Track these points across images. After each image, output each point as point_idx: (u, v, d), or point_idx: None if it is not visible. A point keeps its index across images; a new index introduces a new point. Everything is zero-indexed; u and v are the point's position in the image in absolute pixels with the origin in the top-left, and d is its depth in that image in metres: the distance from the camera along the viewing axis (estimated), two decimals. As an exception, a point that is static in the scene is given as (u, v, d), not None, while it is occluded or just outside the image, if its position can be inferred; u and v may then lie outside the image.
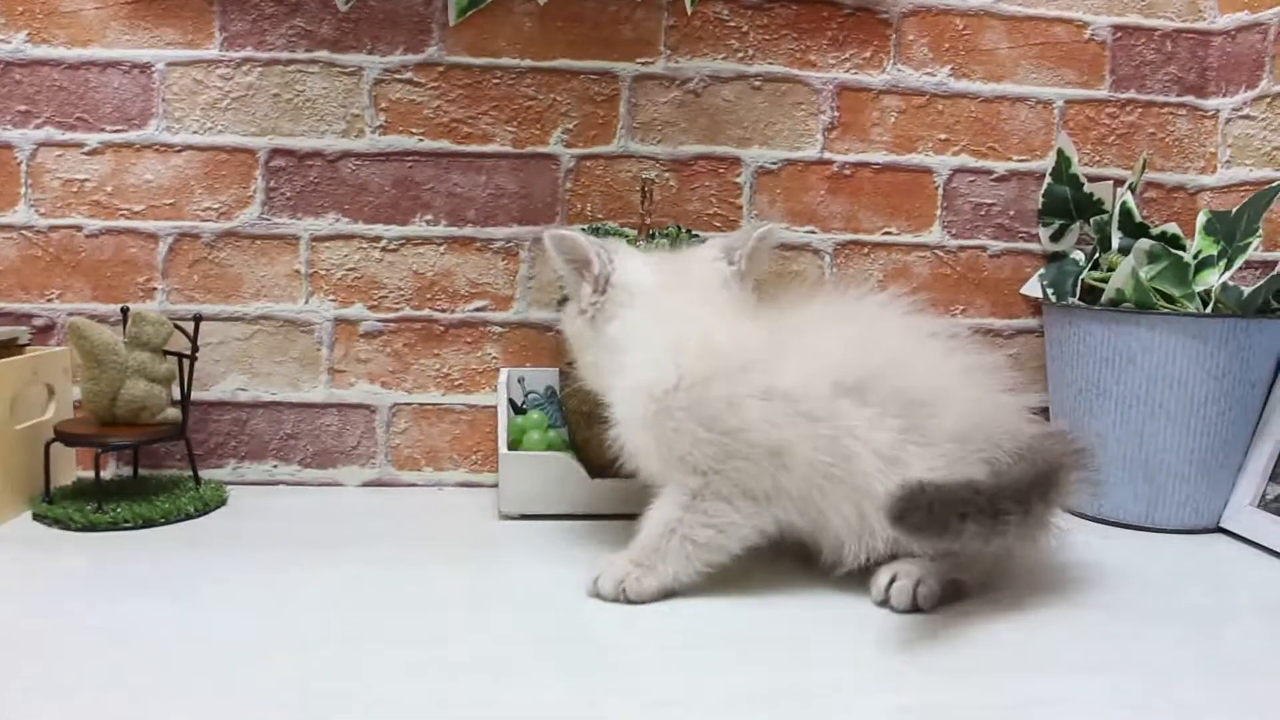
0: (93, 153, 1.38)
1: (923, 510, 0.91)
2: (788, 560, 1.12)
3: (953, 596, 1.04)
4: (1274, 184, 1.30)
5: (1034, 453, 1.04)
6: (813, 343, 1.07)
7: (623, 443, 1.10)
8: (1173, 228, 1.38)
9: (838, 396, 1.03)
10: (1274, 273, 1.32)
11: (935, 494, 0.92)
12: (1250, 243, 1.28)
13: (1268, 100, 1.43)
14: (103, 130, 1.38)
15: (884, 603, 1.03)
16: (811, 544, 1.08)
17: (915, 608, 1.01)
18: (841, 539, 1.04)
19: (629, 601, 1.02)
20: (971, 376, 1.10)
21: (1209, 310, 1.31)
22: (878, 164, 1.48)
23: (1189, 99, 1.53)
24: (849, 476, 1.02)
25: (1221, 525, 1.32)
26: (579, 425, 1.32)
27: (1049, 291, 1.44)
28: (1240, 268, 1.34)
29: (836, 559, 1.06)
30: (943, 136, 1.49)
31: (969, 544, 0.97)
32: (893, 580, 1.03)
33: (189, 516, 1.26)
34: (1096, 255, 1.43)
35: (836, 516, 1.04)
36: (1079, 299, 1.41)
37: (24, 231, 1.38)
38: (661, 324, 1.08)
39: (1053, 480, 1.03)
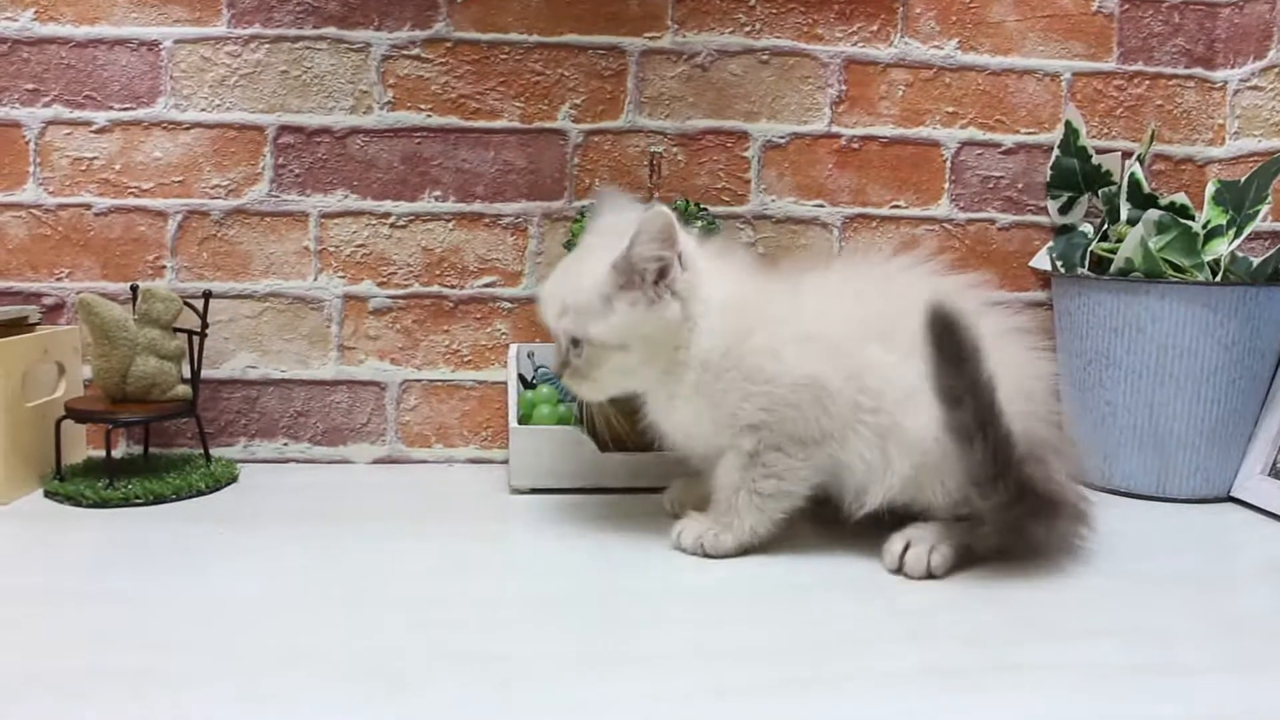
0: (101, 131, 1.38)
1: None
2: (803, 525, 1.13)
3: (965, 562, 1.05)
4: (1283, 152, 1.30)
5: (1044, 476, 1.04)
6: (841, 293, 1.12)
7: (671, 421, 1.12)
8: (1181, 198, 1.37)
9: (866, 339, 1.07)
10: (1283, 242, 1.32)
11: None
12: (1259, 210, 1.28)
13: (1276, 70, 1.43)
14: (111, 108, 1.38)
15: (898, 570, 1.04)
16: (836, 494, 1.11)
17: (929, 574, 1.02)
18: (866, 484, 1.07)
19: (707, 556, 1.08)
20: (1000, 339, 1.09)
21: (1218, 279, 1.30)
22: (885, 137, 1.47)
23: (1197, 70, 1.52)
24: (877, 415, 1.05)
25: (1232, 494, 1.32)
26: (589, 399, 1.32)
27: (1058, 264, 1.44)
28: (1250, 238, 1.34)
29: (859, 504, 1.08)
30: (950, 109, 1.48)
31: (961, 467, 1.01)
32: (906, 547, 1.04)
33: (200, 493, 1.27)
34: (1105, 227, 1.43)
35: (861, 461, 1.06)
36: (1088, 270, 1.41)
37: (33, 210, 1.38)
38: (714, 292, 1.09)
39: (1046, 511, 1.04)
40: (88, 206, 1.39)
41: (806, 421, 1.06)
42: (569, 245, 1.32)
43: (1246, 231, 1.29)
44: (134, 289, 1.33)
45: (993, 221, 1.51)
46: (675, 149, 1.44)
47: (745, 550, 1.08)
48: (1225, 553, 1.16)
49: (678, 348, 1.08)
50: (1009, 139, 1.50)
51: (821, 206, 1.47)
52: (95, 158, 1.38)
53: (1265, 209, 1.28)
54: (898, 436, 1.05)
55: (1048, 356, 1.14)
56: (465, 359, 1.44)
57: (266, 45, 1.39)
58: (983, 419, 0.97)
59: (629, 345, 1.06)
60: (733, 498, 1.09)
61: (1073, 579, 1.04)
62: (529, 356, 1.42)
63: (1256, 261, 1.33)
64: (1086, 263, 1.42)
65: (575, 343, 1.07)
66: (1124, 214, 1.39)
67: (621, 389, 1.12)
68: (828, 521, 1.12)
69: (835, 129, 1.47)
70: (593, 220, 1.18)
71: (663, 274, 1.06)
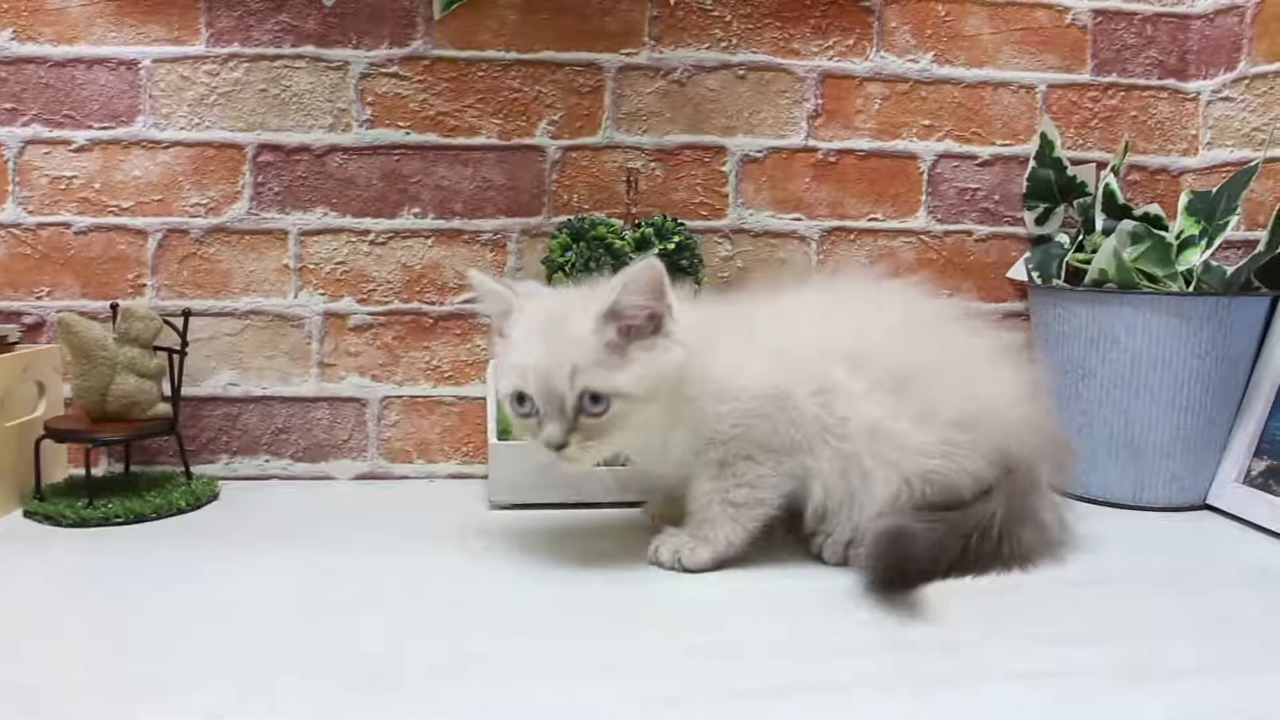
0: (80, 150, 1.38)
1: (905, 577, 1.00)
2: (780, 537, 1.14)
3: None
4: (1252, 163, 1.31)
5: (1006, 469, 1.09)
6: (813, 310, 1.13)
7: (648, 449, 1.10)
8: (1155, 209, 1.38)
9: (834, 358, 1.08)
10: (1255, 251, 1.33)
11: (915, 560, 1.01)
12: (1230, 221, 1.30)
13: (1246, 82, 1.44)
14: (90, 127, 1.38)
15: (818, 556, 1.10)
16: (803, 509, 1.11)
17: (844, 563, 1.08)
18: (830, 510, 1.08)
19: (685, 570, 1.07)
20: (976, 361, 1.13)
21: (1191, 289, 1.32)
22: (862, 150, 1.48)
23: (1170, 82, 1.54)
24: (841, 441, 1.06)
25: (1208, 502, 1.33)
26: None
27: (1034, 274, 1.45)
28: (1224, 247, 1.35)
29: (824, 530, 1.10)
30: (927, 122, 1.50)
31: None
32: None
33: (180, 511, 1.27)
34: (1081, 238, 1.44)
35: (825, 483, 1.07)
36: (1064, 281, 1.42)
37: (12, 229, 1.39)
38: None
39: (1027, 485, 1.09)
40: (67, 225, 1.39)
41: (775, 432, 1.06)
42: (547, 261, 1.33)
43: (1218, 242, 1.30)
44: (114, 307, 1.33)
45: (970, 233, 1.52)
46: (653, 164, 1.45)
47: (722, 563, 1.08)
48: (1202, 559, 1.17)
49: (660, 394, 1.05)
50: (985, 151, 1.51)
51: (799, 220, 1.48)
52: (75, 176, 1.38)
53: (1235, 219, 1.30)
54: (861, 474, 1.06)
55: (1038, 366, 1.17)
56: (445, 375, 1.45)
57: (245, 64, 1.39)
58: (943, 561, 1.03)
59: (655, 394, 1.03)
60: (706, 510, 1.09)
61: (1050, 587, 1.05)
62: (509, 371, 1.42)
63: (1230, 271, 1.35)
64: (1063, 273, 1.43)
65: (596, 399, 1.00)
66: (1099, 224, 1.40)
67: (628, 446, 1.08)
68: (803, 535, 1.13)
69: (812, 142, 1.48)
70: (491, 304, 1.10)
71: (656, 323, 1.03)
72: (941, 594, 1.01)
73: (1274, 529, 1.22)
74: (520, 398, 1.02)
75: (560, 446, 1.01)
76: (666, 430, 1.07)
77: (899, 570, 0.99)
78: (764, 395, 1.06)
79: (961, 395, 1.09)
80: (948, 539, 1.04)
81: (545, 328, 1.03)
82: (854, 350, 1.09)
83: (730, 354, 1.07)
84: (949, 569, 1.04)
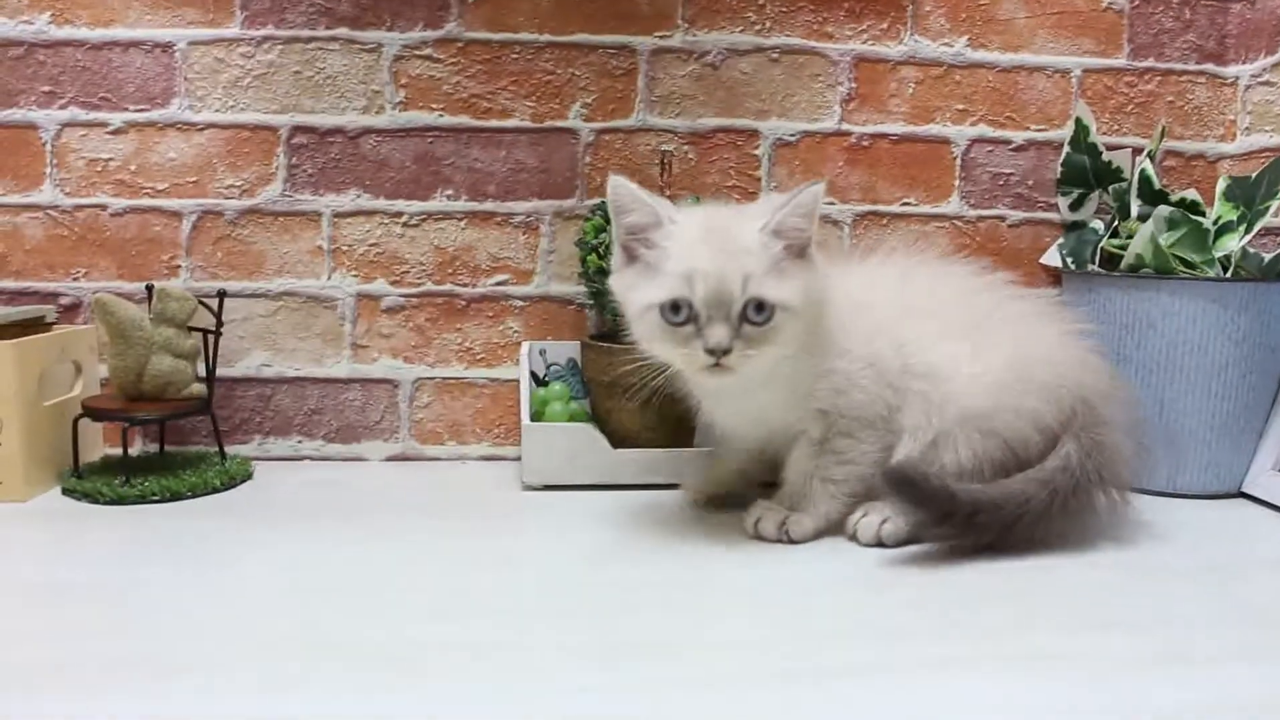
0: (116, 132, 1.39)
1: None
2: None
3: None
4: (1294, 148, 1.30)
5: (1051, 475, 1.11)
6: (886, 275, 1.21)
7: (741, 409, 1.14)
8: (1192, 194, 1.37)
9: (908, 315, 1.15)
10: (1294, 237, 1.32)
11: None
12: (1269, 206, 1.28)
13: (1287, 66, 1.43)
14: (126, 110, 1.39)
15: (852, 537, 1.12)
16: None
17: (880, 543, 1.10)
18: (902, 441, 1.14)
19: (791, 541, 1.12)
20: (1029, 317, 1.19)
21: (1229, 275, 1.30)
22: (895, 135, 1.48)
23: (1208, 66, 1.52)
24: (920, 381, 1.13)
25: (1244, 490, 1.32)
26: (601, 396, 1.33)
27: (1068, 260, 1.44)
28: (1262, 234, 1.34)
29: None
30: (960, 107, 1.49)
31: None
32: (862, 516, 1.13)
33: (215, 490, 1.28)
34: (1115, 223, 1.43)
35: (910, 431, 1.13)
36: (1098, 267, 1.41)
37: (49, 211, 1.40)
38: None
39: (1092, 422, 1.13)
40: (103, 207, 1.40)
41: (873, 401, 1.12)
42: (581, 244, 1.33)
43: (1257, 227, 1.29)
44: (149, 288, 1.34)
45: (1003, 218, 1.51)
46: (686, 147, 1.45)
47: (821, 534, 1.13)
48: (1236, 546, 1.16)
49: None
50: (1019, 136, 1.50)
51: (832, 204, 1.48)
52: (111, 159, 1.39)
53: (1276, 204, 1.28)
54: (935, 401, 1.11)
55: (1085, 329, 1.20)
56: (478, 357, 1.45)
57: (279, 46, 1.40)
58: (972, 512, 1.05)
59: (805, 313, 1.05)
60: (805, 486, 1.14)
61: (1083, 572, 1.04)
62: (540, 354, 1.42)
63: (1268, 258, 1.33)
64: (1097, 259, 1.42)
65: (760, 308, 1.02)
66: (1134, 210, 1.39)
67: (775, 368, 1.07)
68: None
69: (845, 127, 1.47)
70: (638, 214, 1.07)
71: (804, 246, 1.06)
72: (969, 578, 1.02)
73: (1311, 517, 1.21)
74: (676, 306, 1.03)
75: (725, 351, 1.02)
76: (788, 377, 1.09)
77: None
78: (866, 358, 1.11)
79: (1014, 341, 1.14)
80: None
81: (710, 238, 1.04)
82: (926, 307, 1.16)
83: (838, 312, 1.11)
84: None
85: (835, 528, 1.14)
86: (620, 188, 1.06)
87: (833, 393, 1.11)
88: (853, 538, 1.11)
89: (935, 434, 1.11)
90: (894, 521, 1.10)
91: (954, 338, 1.13)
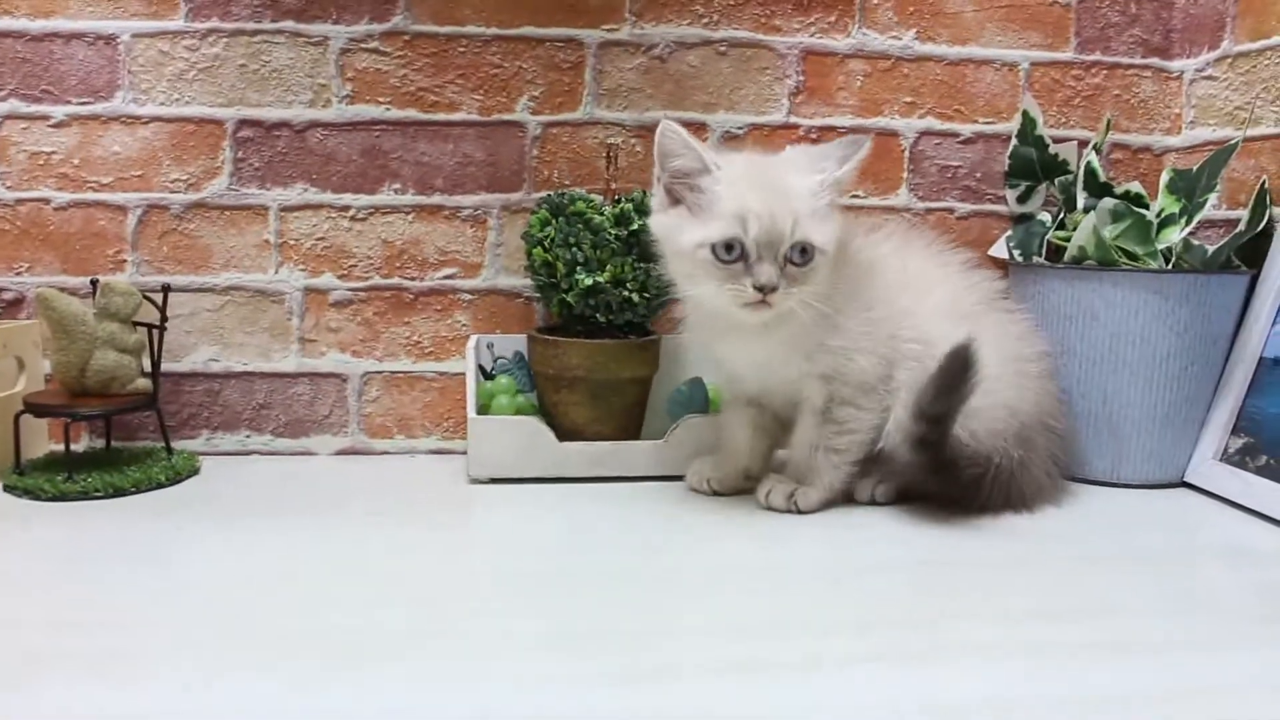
0: (59, 125, 1.38)
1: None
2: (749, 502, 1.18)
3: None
4: (1232, 141, 1.31)
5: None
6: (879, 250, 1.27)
7: (753, 355, 1.19)
8: (1136, 187, 1.38)
9: (903, 289, 1.22)
10: (1236, 230, 1.33)
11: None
12: (1209, 198, 1.30)
13: (1229, 60, 1.44)
14: (69, 103, 1.38)
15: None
16: None
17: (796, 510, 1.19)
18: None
19: (800, 512, 1.19)
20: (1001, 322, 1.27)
21: (1170, 267, 1.32)
22: (844, 128, 1.48)
23: (1153, 61, 1.53)
24: (910, 342, 1.19)
25: (1186, 479, 1.34)
26: (548, 389, 1.33)
27: (1015, 253, 1.45)
28: (1208, 227, 1.35)
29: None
30: (909, 100, 1.49)
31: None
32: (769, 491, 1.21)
33: (160, 485, 1.27)
34: (1062, 216, 1.44)
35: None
36: (1045, 259, 1.42)
37: (-8, 205, 1.39)
38: None
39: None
40: (46, 201, 1.39)
41: (875, 364, 1.17)
42: (527, 237, 1.33)
43: (1197, 219, 1.30)
44: (94, 283, 1.33)
45: (951, 210, 1.52)
46: (634, 140, 1.45)
47: (827, 505, 1.20)
48: (1177, 535, 1.17)
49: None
50: (967, 129, 1.51)
51: (781, 197, 1.48)
52: (54, 152, 1.38)
53: (1214, 197, 1.30)
54: (928, 365, 1.14)
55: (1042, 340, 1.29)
56: (426, 350, 1.45)
57: (225, 39, 1.39)
58: (940, 440, 1.12)
59: (832, 259, 1.14)
60: (810, 457, 1.19)
61: (1022, 561, 1.05)
62: (488, 347, 1.42)
63: (1211, 250, 1.34)
64: (1043, 251, 1.43)
65: (804, 251, 1.11)
66: (1080, 203, 1.40)
67: (802, 309, 1.13)
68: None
69: (793, 119, 1.48)
70: (686, 159, 1.13)
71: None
72: (912, 571, 1.02)
73: (1248, 505, 1.22)
74: (729, 245, 1.09)
75: (773, 289, 1.09)
76: (801, 322, 1.13)
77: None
78: (868, 319, 1.18)
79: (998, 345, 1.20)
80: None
81: (762, 182, 1.12)
82: (925, 283, 1.23)
83: (848, 273, 1.19)
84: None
85: (840, 498, 1.21)
86: (670, 132, 1.13)
87: (839, 355, 1.16)
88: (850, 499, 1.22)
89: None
90: (886, 484, 1.22)
91: (950, 318, 1.19)
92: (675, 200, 1.15)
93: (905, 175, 1.50)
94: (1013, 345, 1.24)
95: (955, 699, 0.76)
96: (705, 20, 1.44)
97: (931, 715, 0.73)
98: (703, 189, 1.12)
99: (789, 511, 1.18)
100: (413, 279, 1.44)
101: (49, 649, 0.81)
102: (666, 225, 1.15)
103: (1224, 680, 0.80)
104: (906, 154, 1.50)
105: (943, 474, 1.14)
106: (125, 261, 1.41)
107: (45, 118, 1.38)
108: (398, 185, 1.42)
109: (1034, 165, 1.47)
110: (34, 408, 1.26)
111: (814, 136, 1.47)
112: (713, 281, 1.11)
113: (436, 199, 1.43)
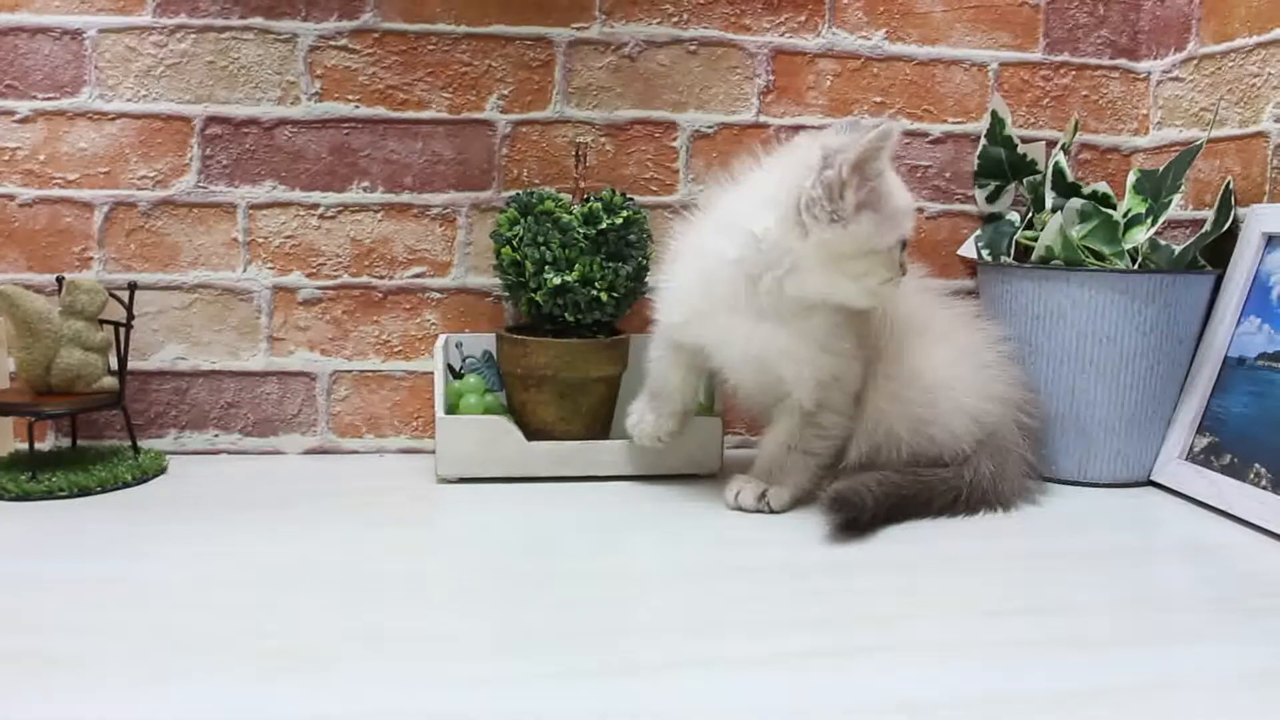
0: (24, 121, 1.37)
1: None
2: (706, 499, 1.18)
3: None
4: (1197, 142, 1.32)
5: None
6: None
7: (750, 354, 1.17)
8: (1103, 187, 1.39)
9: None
10: (1202, 231, 1.34)
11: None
12: (1174, 199, 1.30)
13: (1195, 62, 1.45)
14: (34, 98, 1.37)
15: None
16: None
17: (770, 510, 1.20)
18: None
19: (771, 511, 1.19)
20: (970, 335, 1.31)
21: (1137, 267, 1.32)
22: (814, 127, 1.48)
23: (1121, 61, 1.54)
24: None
25: (1152, 478, 1.34)
26: (516, 388, 1.33)
27: (984, 252, 1.46)
28: (1175, 227, 1.35)
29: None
30: (878, 99, 1.50)
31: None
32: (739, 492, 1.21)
33: (126, 485, 1.26)
34: (1031, 215, 1.45)
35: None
36: (1014, 259, 1.42)
37: (-44, 202, 1.38)
38: None
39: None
40: (11, 197, 1.38)
41: (860, 370, 1.19)
42: (496, 236, 1.32)
43: (1162, 219, 1.31)
44: (60, 281, 1.32)
45: (921, 210, 1.52)
46: (603, 139, 1.45)
47: (797, 504, 1.20)
48: (1141, 533, 1.18)
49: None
50: (936, 128, 1.51)
51: (751, 196, 1.48)
52: (18, 148, 1.37)
53: (1179, 197, 1.30)
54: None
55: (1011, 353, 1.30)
56: (395, 349, 1.44)
57: (193, 35, 1.38)
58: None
59: None
60: (784, 457, 1.20)
61: (986, 559, 1.06)
62: (457, 346, 1.42)
63: (1178, 250, 1.35)
64: (1012, 251, 1.43)
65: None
66: (1049, 202, 1.41)
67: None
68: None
69: (763, 119, 1.48)
70: (880, 163, 1.12)
71: None
72: (871, 569, 1.03)
73: (1212, 504, 1.23)
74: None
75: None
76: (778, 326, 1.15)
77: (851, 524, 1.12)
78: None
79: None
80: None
81: (890, 178, 1.14)
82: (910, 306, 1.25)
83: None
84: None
85: (807, 498, 1.21)
86: (894, 136, 1.11)
87: (842, 359, 1.17)
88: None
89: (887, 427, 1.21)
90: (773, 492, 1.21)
91: (929, 339, 1.25)
92: (860, 206, 1.09)
93: (875, 175, 1.50)
94: (979, 352, 1.28)
95: (916, 696, 0.76)
96: (675, 19, 1.45)
97: (892, 714, 0.74)
98: (881, 191, 1.11)
99: (759, 512, 1.19)
100: (382, 278, 1.43)
101: (2, 650, 0.81)
102: (858, 234, 1.10)
103: (1168, 675, 0.81)
104: (876, 154, 1.50)
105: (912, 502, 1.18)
106: (92, 259, 1.40)
107: (10, 113, 1.36)
108: (367, 183, 1.42)
109: (1003, 165, 1.48)
110: (-3, 406, 1.25)
111: (784, 136, 1.47)
112: (886, 268, 1.13)
113: (406, 197, 1.43)
